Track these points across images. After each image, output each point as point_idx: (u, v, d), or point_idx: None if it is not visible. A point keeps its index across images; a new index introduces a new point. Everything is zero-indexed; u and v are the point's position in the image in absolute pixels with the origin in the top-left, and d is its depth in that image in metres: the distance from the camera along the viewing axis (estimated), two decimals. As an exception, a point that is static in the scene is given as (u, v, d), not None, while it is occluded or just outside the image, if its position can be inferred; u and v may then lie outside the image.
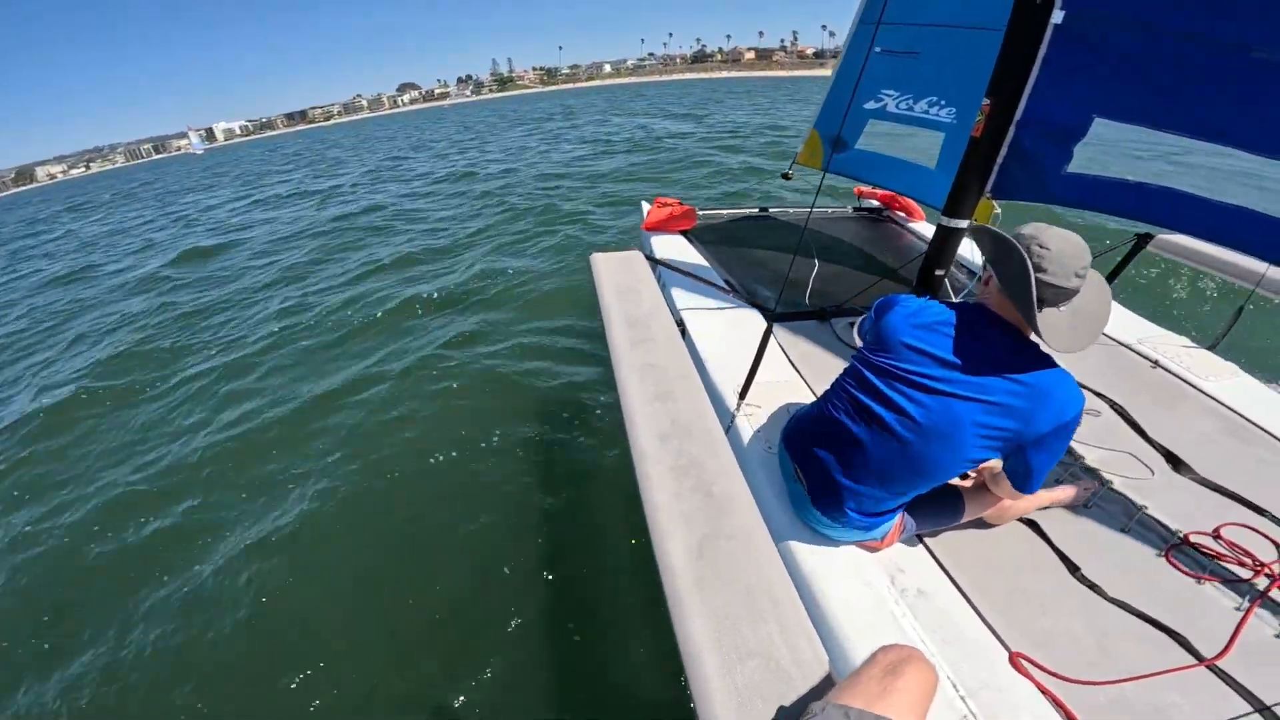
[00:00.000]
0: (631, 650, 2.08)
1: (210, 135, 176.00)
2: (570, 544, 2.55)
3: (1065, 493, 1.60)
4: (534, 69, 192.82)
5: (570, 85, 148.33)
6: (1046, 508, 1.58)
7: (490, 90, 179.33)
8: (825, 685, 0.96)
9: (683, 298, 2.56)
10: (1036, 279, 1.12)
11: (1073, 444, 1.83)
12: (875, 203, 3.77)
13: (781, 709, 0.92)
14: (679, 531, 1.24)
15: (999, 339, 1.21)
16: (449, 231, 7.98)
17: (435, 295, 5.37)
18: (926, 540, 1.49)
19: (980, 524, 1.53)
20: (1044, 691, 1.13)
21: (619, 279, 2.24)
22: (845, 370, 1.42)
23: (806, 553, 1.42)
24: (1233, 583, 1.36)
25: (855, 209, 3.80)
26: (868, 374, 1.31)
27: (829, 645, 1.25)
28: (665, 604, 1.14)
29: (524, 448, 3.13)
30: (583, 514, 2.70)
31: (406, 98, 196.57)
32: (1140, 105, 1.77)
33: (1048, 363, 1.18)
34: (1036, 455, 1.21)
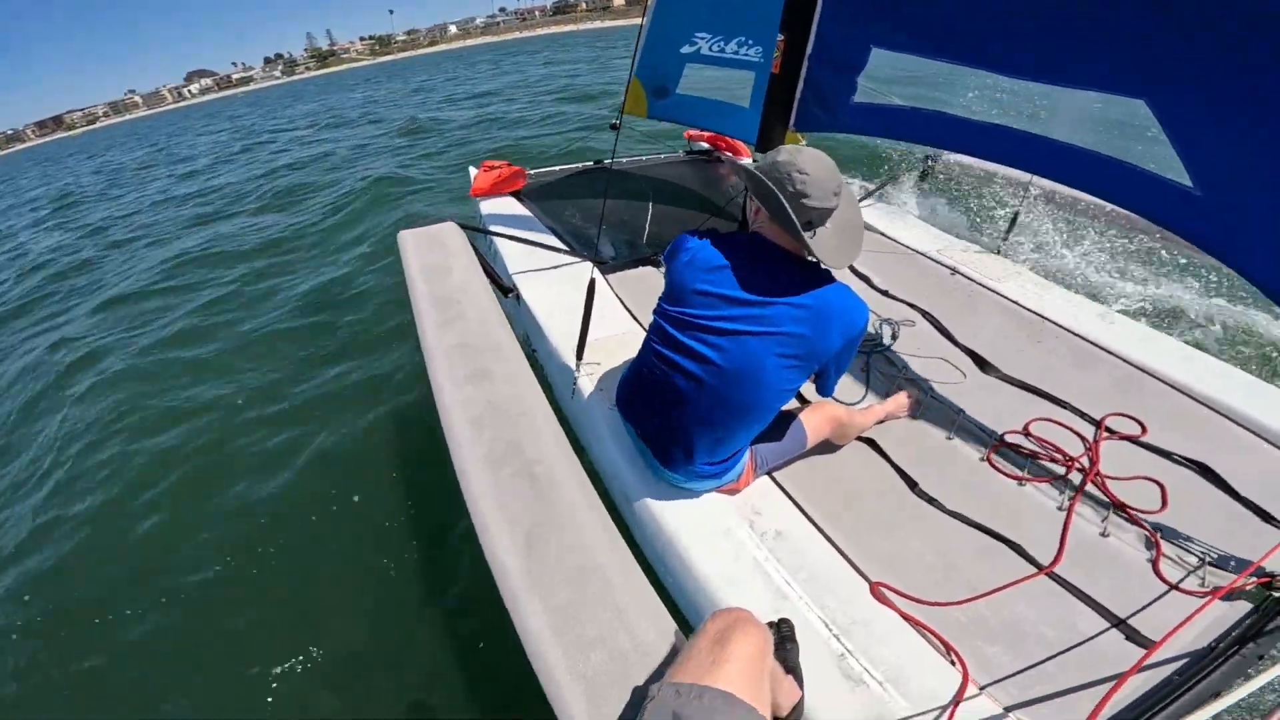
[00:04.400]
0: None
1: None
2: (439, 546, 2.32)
3: (896, 403, 1.70)
4: (362, 39, 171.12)
5: (406, 54, 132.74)
6: (883, 421, 1.67)
7: (307, 69, 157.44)
8: (671, 659, 0.94)
9: (515, 262, 2.42)
10: (801, 204, 1.15)
11: (896, 354, 1.96)
12: (705, 144, 3.80)
13: (635, 689, 0.90)
14: (504, 525, 1.14)
15: (778, 267, 1.23)
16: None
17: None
18: (778, 477, 1.51)
19: (826, 449, 1.59)
20: (907, 618, 1.16)
21: (426, 256, 2.02)
22: (649, 327, 1.39)
23: (665, 511, 1.38)
24: (1050, 480, 1.46)
25: (687, 152, 3.80)
26: (668, 328, 1.29)
27: (701, 603, 1.23)
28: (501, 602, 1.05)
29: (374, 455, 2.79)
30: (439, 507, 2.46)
31: (196, 87, 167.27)
32: (909, 35, 1.86)
33: (825, 280, 1.22)
34: (835, 369, 1.33)
